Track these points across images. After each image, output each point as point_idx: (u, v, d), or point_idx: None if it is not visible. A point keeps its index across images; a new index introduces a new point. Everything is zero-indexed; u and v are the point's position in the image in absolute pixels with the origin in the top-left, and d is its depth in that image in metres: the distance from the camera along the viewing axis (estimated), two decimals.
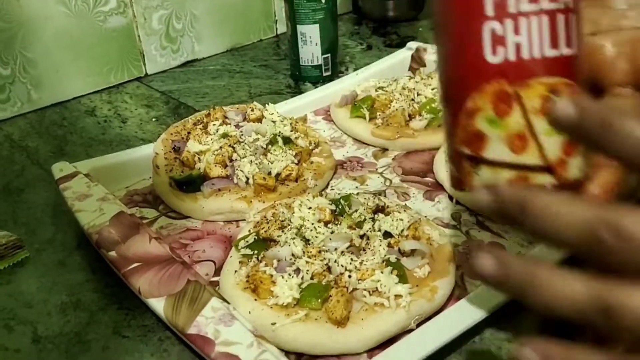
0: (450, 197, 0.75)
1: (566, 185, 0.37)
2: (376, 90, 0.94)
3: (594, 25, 0.44)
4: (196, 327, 0.53)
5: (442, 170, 0.77)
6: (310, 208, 0.66)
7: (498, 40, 0.35)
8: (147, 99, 1.08)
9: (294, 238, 0.62)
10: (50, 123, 1.01)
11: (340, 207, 0.68)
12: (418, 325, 0.56)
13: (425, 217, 0.68)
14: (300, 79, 1.11)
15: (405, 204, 0.70)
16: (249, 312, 0.56)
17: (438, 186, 0.78)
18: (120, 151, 0.86)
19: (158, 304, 0.56)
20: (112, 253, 0.62)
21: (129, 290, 0.61)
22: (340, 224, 0.65)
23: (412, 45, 1.10)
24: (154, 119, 1.01)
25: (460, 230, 0.70)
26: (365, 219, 0.65)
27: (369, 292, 0.57)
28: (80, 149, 0.93)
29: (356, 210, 0.66)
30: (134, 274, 0.59)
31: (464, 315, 0.55)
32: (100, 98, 1.09)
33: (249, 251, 0.63)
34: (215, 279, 0.64)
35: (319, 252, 0.60)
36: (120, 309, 0.62)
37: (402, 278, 0.58)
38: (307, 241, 0.62)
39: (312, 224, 0.64)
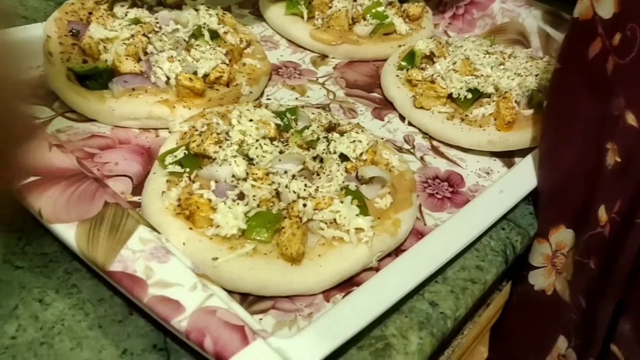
0: (402, 118, 0.68)
1: None
2: None
3: None
4: (121, 262, 0.42)
5: (391, 86, 0.69)
6: (251, 120, 0.56)
7: None
8: None
9: (235, 156, 0.52)
10: None
11: (285, 121, 0.58)
12: (379, 262, 0.50)
13: (382, 139, 0.61)
14: None
15: (358, 123, 0.62)
16: (184, 244, 0.46)
17: (387, 104, 0.70)
18: None
19: (67, 231, 0.44)
20: None
21: (20, 206, 0.49)
22: (287, 143, 0.56)
23: None
24: None
25: (414, 155, 0.63)
26: (318, 138, 0.56)
27: (327, 223, 0.49)
28: None
29: (307, 127, 0.57)
30: (32, 191, 0.46)
31: (430, 255, 0.49)
32: None
33: (178, 168, 0.52)
34: (134, 199, 0.53)
35: (267, 174, 0.51)
36: (9, 232, 0.49)
37: (363, 209, 0.50)
38: (250, 160, 0.53)
39: (257, 140, 0.54)
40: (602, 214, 0.52)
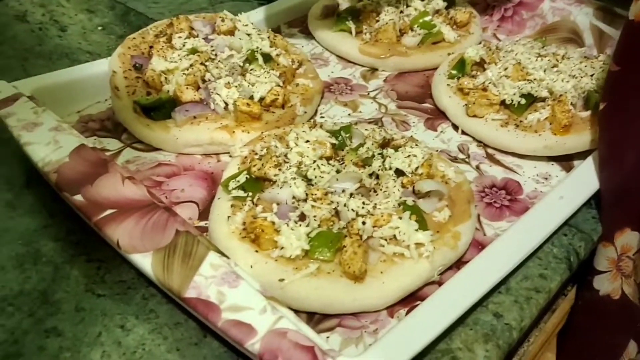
0: (455, 127, 0.68)
1: None
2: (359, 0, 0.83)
3: None
4: (195, 289, 0.44)
5: (442, 95, 0.70)
6: (307, 142, 0.58)
7: None
8: (87, 3, 0.93)
9: (294, 178, 0.54)
10: None
11: (340, 140, 0.59)
12: (440, 276, 0.51)
13: (437, 151, 0.61)
14: None
15: (411, 136, 0.63)
16: (251, 267, 0.49)
17: (439, 113, 0.71)
18: (66, 67, 0.73)
19: (144, 261, 0.47)
20: (78, 197, 0.51)
21: (97, 237, 0.52)
22: (343, 161, 0.57)
23: None
24: (99, 28, 0.87)
25: (470, 165, 0.64)
26: (373, 155, 0.57)
27: (387, 240, 0.50)
28: (14, 63, 0.78)
29: (362, 145, 0.58)
30: (109, 224, 0.49)
31: (492, 267, 0.49)
32: (30, 0, 0.92)
33: (241, 193, 0.54)
34: (201, 224, 0.56)
35: (325, 194, 0.52)
36: (89, 262, 0.53)
37: (422, 224, 0.51)
38: (309, 181, 0.54)
39: (314, 161, 0.55)
40: None
